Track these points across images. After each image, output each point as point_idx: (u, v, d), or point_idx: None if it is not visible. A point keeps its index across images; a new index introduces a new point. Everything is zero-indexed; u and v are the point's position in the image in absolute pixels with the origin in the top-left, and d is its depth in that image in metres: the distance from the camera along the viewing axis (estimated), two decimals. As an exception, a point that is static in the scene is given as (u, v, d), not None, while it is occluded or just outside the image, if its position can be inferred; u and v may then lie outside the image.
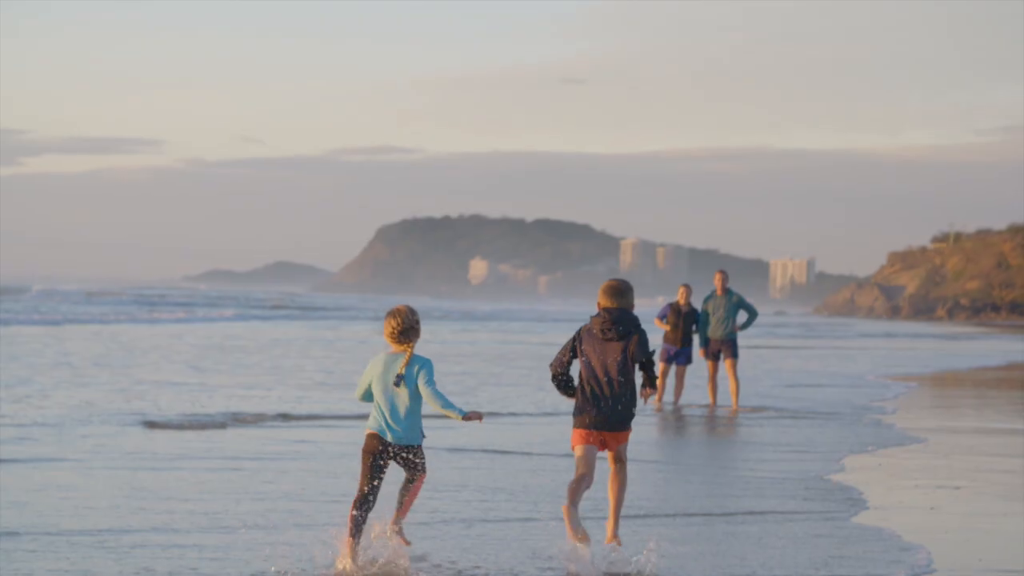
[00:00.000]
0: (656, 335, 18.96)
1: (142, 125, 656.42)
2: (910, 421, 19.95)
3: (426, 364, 8.41)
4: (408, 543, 8.60)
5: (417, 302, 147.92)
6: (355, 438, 15.49)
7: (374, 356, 8.57)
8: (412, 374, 8.39)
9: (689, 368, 21.94)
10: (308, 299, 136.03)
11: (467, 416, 8.37)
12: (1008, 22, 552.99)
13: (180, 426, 16.27)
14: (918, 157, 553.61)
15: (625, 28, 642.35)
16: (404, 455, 8.45)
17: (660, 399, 21.24)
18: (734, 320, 21.45)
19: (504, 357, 35.63)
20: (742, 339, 23.81)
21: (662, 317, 21.32)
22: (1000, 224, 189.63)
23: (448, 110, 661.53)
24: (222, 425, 16.48)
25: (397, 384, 8.37)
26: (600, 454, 9.08)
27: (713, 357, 21.35)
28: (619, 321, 8.90)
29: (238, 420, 16.98)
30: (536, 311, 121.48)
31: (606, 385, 8.87)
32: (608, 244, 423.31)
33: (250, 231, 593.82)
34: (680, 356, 21.24)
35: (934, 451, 15.94)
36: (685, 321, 21.20)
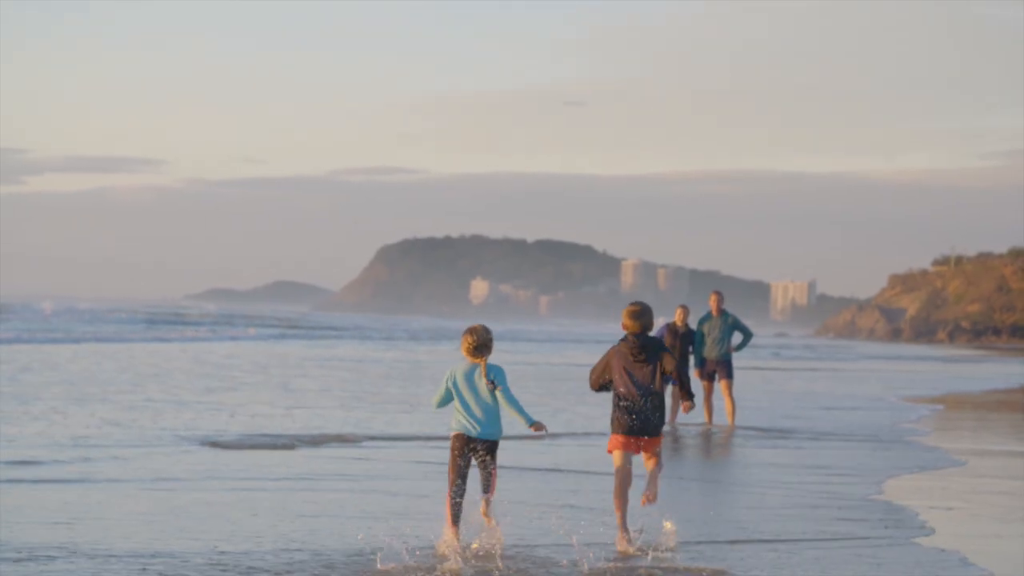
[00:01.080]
0: None
1: (144, 144, 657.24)
2: (949, 443, 20.14)
3: (499, 372, 9.81)
4: (496, 525, 9.79)
5: (418, 322, 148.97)
6: (416, 456, 16.04)
7: (449, 368, 9.91)
8: (492, 381, 9.75)
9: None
10: (317, 319, 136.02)
11: (534, 425, 9.74)
12: (1007, 47, 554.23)
13: (247, 446, 16.55)
14: (917, 180, 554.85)
15: (626, 51, 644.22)
16: (483, 449, 9.77)
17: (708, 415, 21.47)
18: (729, 341, 21.63)
19: (527, 376, 35.89)
20: (740, 360, 24.18)
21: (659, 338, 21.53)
22: (1001, 247, 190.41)
23: (449, 131, 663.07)
24: (290, 446, 16.70)
25: (483, 388, 9.74)
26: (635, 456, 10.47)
27: (708, 377, 21.62)
28: (645, 347, 10.37)
29: (300, 440, 17.23)
30: (544, 332, 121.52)
31: (639, 399, 10.29)
32: (609, 265, 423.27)
33: (251, 250, 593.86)
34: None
35: (979, 473, 16.14)
36: (683, 342, 21.35)
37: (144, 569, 9.01)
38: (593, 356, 40.26)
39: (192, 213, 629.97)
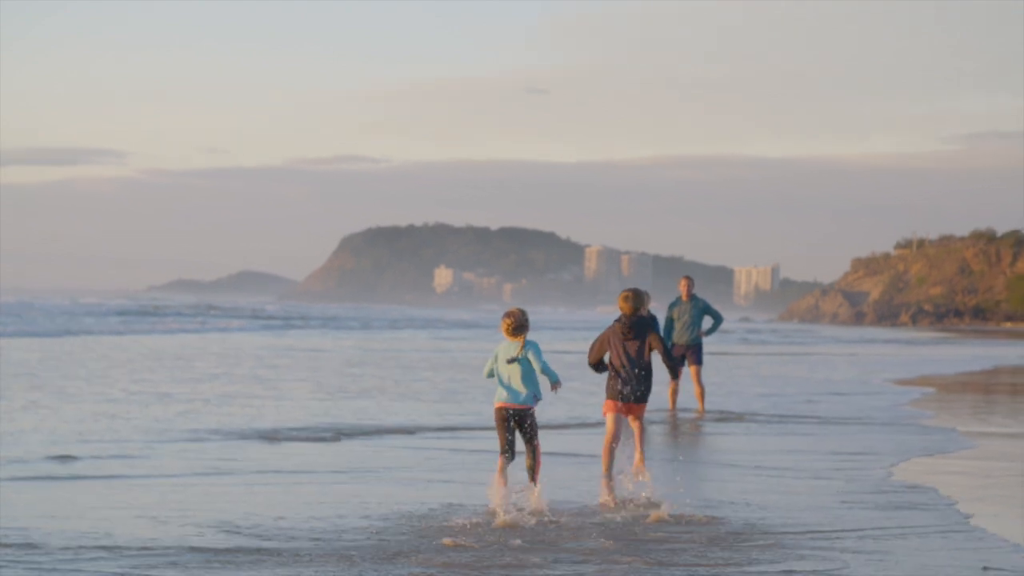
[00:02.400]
0: None
1: (105, 136, 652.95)
2: (959, 425, 20.49)
3: (534, 344, 11.32)
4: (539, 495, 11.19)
5: (383, 311, 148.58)
6: (457, 446, 16.44)
7: (497, 345, 11.44)
8: (525, 355, 11.22)
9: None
10: (294, 308, 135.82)
11: (555, 384, 11.24)
12: (971, 32, 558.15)
13: (298, 438, 16.82)
14: (880, 164, 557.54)
15: (588, 38, 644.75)
16: (521, 414, 11.25)
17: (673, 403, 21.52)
18: (699, 326, 21.84)
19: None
20: (709, 345, 24.21)
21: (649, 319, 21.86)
22: (963, 231, 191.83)
23: (412, 119, 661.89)
24: (335, 438, 17.01)
25: (513, 362, 11.24)
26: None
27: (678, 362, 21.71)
28: (635, 326, 12.26)
29: (344, 433, 17.51)
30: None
31: (629, 370, 12.19)
32: (573, 252, 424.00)
33: (214, 241, 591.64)
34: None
35: (996, 455, 16.52)
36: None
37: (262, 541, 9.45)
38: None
39: (155, 204, 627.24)
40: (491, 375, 11.42)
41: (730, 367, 36.78)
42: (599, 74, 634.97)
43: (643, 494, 11.94)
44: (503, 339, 11.39)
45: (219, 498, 12.09)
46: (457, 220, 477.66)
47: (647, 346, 12.29)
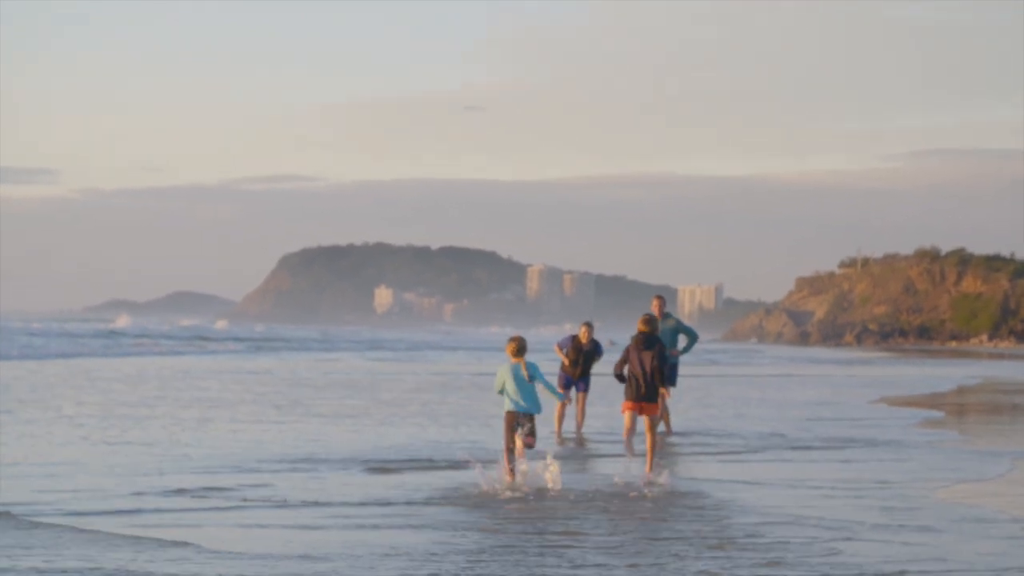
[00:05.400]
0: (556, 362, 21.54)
1: (36, 154, 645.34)
2: (983, 445, 19.90)
3: (534, 366, 14.35)
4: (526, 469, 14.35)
5: (320, 332, 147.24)
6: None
7: (500, 365, 14.50)
8: (528, 373, 14.24)
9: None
10: (249, 332, 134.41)
11: (563, 401, 15.92)
12: (909, 50, 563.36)
13: (399, 469, 16.03)
14: (823, 182, 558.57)
15: (525, 55, 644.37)
16: (525, 418, 14.31)
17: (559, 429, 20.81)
18: (674, 345, 21.21)
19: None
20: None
21: (563, 347, 21.09)
22: (907, 248, 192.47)
23: (349, 137, 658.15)
24: (428, 467, 16.31)
25: (520, 381, 14.24)
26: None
27: None
28: (648, 341, 15.21)
29: (433, 464, 16.72)
30: (460, 339, 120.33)
31: (642, 377, 15.13)
32: (515, 271, 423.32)
33: (149, 261, 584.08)
34: (579, 384, 20.97)
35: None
36: (586, 357, 20.95)
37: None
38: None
39: (88, 224, 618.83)
40: (501, 391, 14.38)
41: (704, 390, 35.88)
42: (536, 92, 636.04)
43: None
44: (507, 360, 14.36)
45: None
46: (397, 239, 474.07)
47: (655, 358, 15.16)
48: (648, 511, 12.59)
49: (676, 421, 22.62)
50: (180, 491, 13.45)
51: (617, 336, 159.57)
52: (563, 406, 20.07)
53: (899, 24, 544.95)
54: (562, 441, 19.95)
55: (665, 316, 21.13)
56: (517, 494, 13.50)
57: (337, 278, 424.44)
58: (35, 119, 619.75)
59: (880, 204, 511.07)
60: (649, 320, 15.31)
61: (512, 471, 14.16)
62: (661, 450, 18.21)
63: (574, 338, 21.02)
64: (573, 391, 20.80)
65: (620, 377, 15.19)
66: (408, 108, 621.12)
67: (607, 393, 27.49)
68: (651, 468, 14.94)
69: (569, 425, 21.30)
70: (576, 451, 18.72)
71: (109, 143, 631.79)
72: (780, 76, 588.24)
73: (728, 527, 11.54)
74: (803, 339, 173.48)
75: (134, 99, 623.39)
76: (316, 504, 12.80)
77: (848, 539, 10.96)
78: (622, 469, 15.10)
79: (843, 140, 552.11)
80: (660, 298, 21.31)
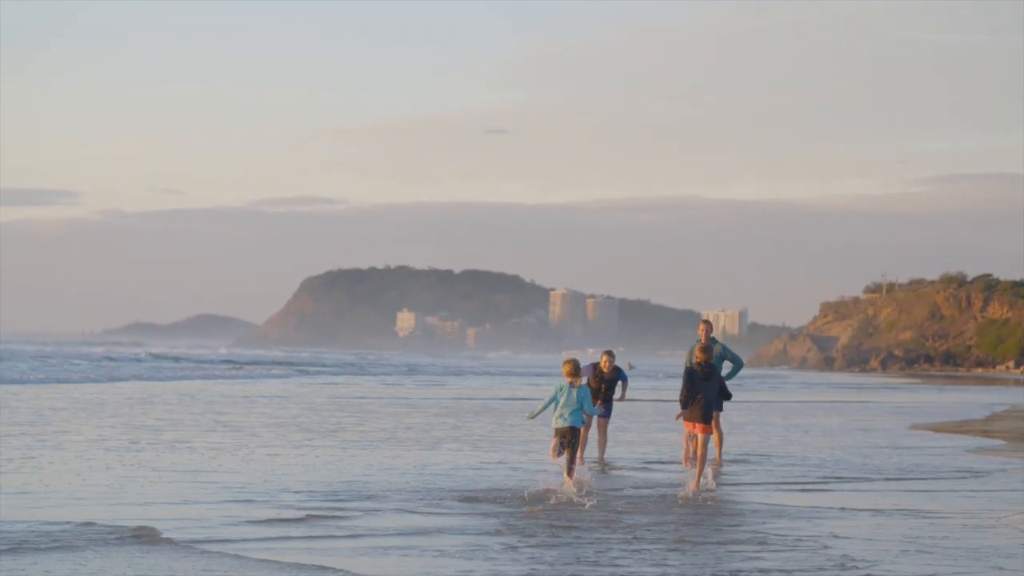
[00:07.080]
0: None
1: (59, 176, 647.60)
2: None
3: (584, 389, 16.51)
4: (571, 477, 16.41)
5: (343, 356, 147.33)
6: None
7: (554, 383, 16.62)
8: (579, 395, 16.40)
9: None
10: (268, 355, 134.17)
11: (591, 415, 17.11)
12: (934, 75, 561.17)
13: (493, 499, 16.01)
14: (848, 207, 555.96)
15: (548, 78, 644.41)
16: (573, 432, 16.32)
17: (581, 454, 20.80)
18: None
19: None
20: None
21: (584, 376, 20.69)
22: (932, 273, 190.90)
23: (371, 160, 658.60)
24: (519, 498, 16.12)
25: (572, 399, 16.41)
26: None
27: None
28: (710, 371, 17.10)
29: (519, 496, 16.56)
30: (492, 364, 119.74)
31: (703, 401, 17.00)
32: (538, 295, 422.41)
33: (171, 283, 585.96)
34: (601, 411, 21.02)
35: None
36: (607, 385, 21.05)
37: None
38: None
39: (110, 246, 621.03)
40: (546, 406, 16.53)
41: (743, 416, 35.62)
42: (559, 115, 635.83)
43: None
44: (561, 379, 16.52)
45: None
46: (419, 262, 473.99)
47: (718, 385, 17.44)
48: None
49: (730, 444, 22.77)
50: (308, 517, 13.66)
51: (637, 360, 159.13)
52: (586, 431, 20.18)
53: (924, 49, 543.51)
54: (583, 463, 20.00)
55: (712, 341, 20.89)
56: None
57: (359, 302, 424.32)
58: (58, 141, 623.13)
59: (905, 229, 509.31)
60: (708, 349, 17.09)
61: (570, 479, 16.02)
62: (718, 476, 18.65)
63: (595, 366, 21.10)
64: (595, 419, 20.94)
65: (685, 404, 17.00)
66: (431, 131, 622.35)
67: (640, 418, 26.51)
68: (697, 484, 16.78)
69: (591, 452, 21.44)
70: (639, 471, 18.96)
71: (132, 165, 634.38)
72: (805, 100, 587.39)
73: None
74: (827, 364, 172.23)
75: (157, 121, 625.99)
76: (439, 532, 12.90)
77: None
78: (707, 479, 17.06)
79: (867, 164, 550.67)
80: (707, 323, 21.24)
